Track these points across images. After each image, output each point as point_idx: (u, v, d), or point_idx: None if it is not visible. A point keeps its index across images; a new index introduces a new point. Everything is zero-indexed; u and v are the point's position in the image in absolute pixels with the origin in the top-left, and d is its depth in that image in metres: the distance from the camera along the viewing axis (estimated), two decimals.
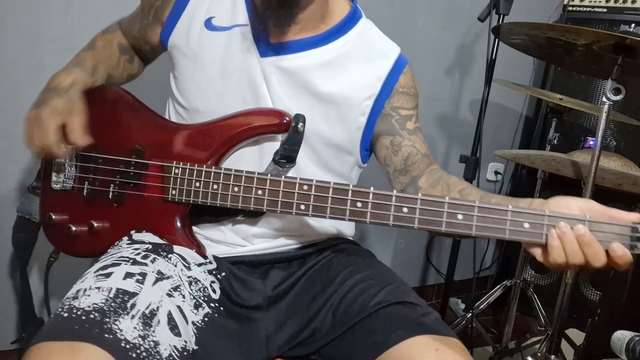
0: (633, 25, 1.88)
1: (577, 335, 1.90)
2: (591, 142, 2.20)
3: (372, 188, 0.83)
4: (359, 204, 0.84)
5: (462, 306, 2.39)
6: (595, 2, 2.20)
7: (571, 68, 1.99)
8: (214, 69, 0.99)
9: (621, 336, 1.01)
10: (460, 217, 0.79)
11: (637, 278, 1.44)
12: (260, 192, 0.89)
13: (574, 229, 0.75)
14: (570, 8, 2.23)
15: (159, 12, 1.05)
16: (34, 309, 1.22)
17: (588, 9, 2.22)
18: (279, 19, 0.93)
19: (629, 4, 2.13)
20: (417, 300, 0.91)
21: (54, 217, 1.03)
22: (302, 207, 0.87)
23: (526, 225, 0.77)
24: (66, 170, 1.03)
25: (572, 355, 1.69)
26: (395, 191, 0.82)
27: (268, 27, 0.96)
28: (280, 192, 0.88)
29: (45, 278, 1.14)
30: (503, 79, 1.95)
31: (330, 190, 0.85)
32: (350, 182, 0.94)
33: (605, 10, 2.18)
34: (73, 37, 1.41)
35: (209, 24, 1.00)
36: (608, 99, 1.29)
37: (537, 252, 0.79)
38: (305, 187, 0.86)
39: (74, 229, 1.00)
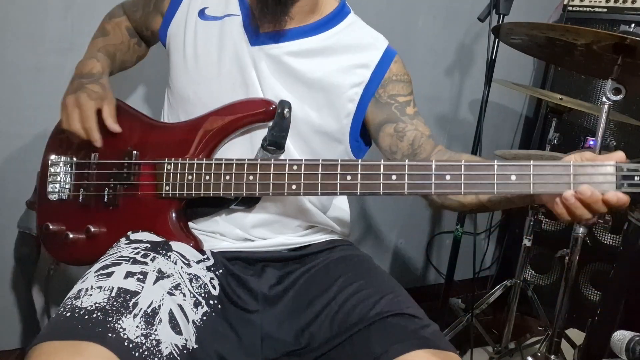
0: (633, 25, 1.87)
1: (577, 335, 1.90)
2: (591, 142, 2.20)
3: (359, 160, 0.84)
4: (348, 177, 0.85)
5: (462, 306, 2.39)
6: (595, 2, 2.20)
7: (571, 68, 1.99)
8: (206, 58, 1.01)
9: (621, 336, 1.01)
10: (448, 177, 0.80)
11: (637, 278, 1.44)
12: (251, 177, 0.90)
13: (579, 192, 0.76)
14: (570, 8, 2.23)
15: (158, 2, 1.09)
16: (38, 322, 1.22)
17: (588, 9, 2.21)
18: (271, 10, 0.95)
19: (629, 4, 2.13)
20: (416, 312, 0.90)
21: (51, 226, 1.03)
22: (294, 186, 0.88)
23: (513, 177, 0.78)
24: (61, 180, 1.04)
25: (572, 355, 1.69)
26: (382, 160, 0.83)
27: (259, 16, 0.98)
28: (271, 174, 0.89)
29: (45, 289, 1.14)
30: (503, 79, 1.95)
31: (320, 166, 0.86)
32: None
33: (605, 10, 2.18)
34: (73, 37, 1.42)
35: (202, 14, 1.03)
36: (608, 99, 1.30)
37: (545, 203, 0.83)
38: (295, 167, 0.87)
39: (71, 236, 1.00)
